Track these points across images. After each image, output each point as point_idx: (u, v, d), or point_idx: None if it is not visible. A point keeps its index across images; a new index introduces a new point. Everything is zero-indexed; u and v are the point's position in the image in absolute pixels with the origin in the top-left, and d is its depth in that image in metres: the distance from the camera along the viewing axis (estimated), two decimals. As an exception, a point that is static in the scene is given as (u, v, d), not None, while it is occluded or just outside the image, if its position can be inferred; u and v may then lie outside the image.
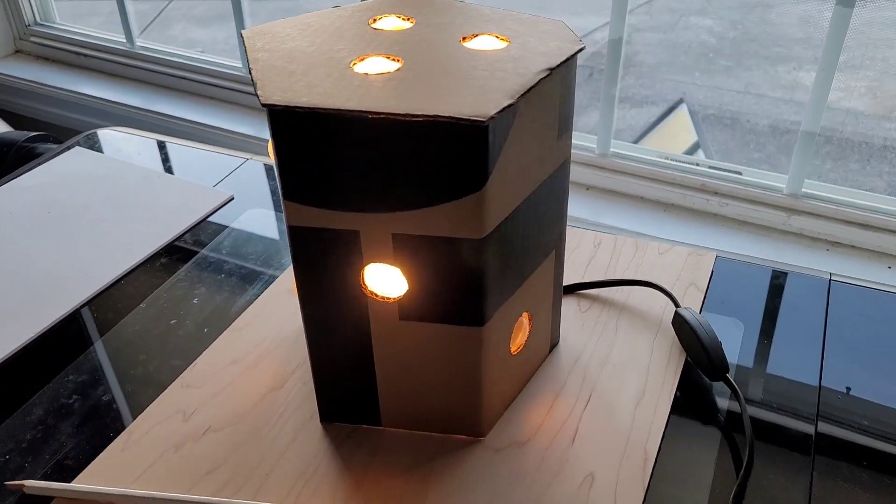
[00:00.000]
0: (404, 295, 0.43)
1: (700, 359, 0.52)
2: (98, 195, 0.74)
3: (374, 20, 0.46)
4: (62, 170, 0.78)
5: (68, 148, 0.83)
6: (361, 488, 0.45)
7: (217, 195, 0.74)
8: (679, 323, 0.54)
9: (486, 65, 0.41)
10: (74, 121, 1.80)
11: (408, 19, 0.46)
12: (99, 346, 0.57)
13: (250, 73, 0.40)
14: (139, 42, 1.79)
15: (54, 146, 1.34)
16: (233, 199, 0.73)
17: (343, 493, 0.45)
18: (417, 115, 0.37)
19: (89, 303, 0.61)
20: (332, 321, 0.45)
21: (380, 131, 0.38)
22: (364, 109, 0.37)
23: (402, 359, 0.46)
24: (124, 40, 1.80)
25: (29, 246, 0.67)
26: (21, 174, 0.78)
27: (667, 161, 1.34)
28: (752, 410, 0.50)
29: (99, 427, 0.51)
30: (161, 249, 0.67)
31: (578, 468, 0.46)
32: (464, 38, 0.44)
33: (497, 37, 0.44)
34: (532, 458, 0.47)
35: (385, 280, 0.44)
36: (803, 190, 1.25)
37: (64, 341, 0.58)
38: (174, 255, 0.67)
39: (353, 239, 0.41)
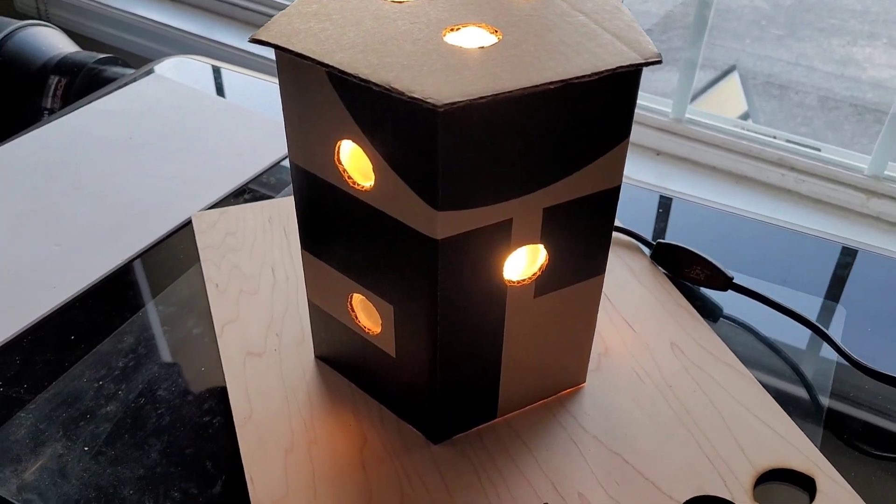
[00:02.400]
0: (541, 271, 0.41)
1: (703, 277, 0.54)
2: (178, 125, 0.71)
3: None
4: (141, 96, 0.75)
5: (145, 74, 0.80)
6: (524, 467, 0.43)
7: None
8: (662, 252, 0.56)
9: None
10: (138, 46, 1.75)
11: None
12: (182, 280, 0.55)
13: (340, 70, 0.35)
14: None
15: (123, 70, 1.31)
16: None
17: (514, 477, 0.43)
18: (585, 76, 0.34)
19: (175, 233, 0.59)
20: (469, 325, 0.40)
21: (535, 106, 0.35)
22: (524, 86, 0.33)
23: (529, 337, 0.43)
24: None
25: (113, 172, 0.65)
26: (98, 97, 0.75)
27: (744, 131, 1.29)
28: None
29: (189, 358, 0.50)
30: (243, 186, 0.65)
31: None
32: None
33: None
34: (626, 371, 0.49)
35: (519, 263, 0.41)
36: (886, 172, 1.20)
37: (151, 270, 0.56)
38: (256, 192, 0.64)
39: (505, 228, 0.38)
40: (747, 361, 0.51)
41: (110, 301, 0.54)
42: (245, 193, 0.64)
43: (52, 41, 1.35)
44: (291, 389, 0.47)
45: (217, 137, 0.70)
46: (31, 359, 0.50)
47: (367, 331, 0.44)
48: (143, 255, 0.58)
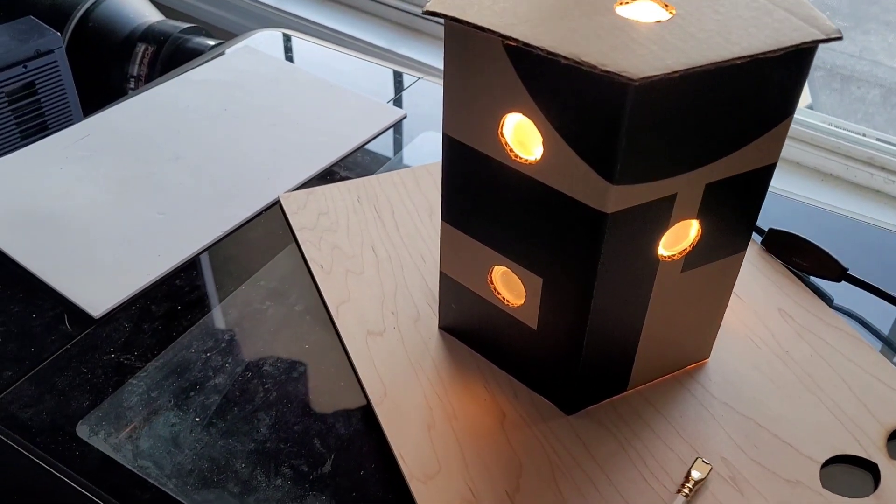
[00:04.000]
0: (692, 246, 0.41)
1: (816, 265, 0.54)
2: (271, 98, 0.72)
3: None
4: (233, 67, 0.76)
5: (236, 45, 0.80)
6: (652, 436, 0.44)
7: (391, 112, 0.71)
8: (774, 238, 0.55)
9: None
10: (217, 17, 1.77)
11: None
12: (282, 256, 0.56)
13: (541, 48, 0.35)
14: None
15: (207, 40, 1.33)
16: (406, 117, 0.71)
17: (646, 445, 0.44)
18: (771, 51, 0.33)
19: (270, 208, 0.60)
20: (619, 299, 0.41)
21: (718, 82, 0.35)
22: (713, 61, 0.33)
23: (671, 312, 0.43)
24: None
25: (211, 143, 0.66)
26: (190, 69, 0.76)
27: (832, 128, 1.26)
28: None
29: (292, 334, 0.50)
30: (337, 162, 0.65)
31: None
32: None
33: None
34: (741, 338, 0.49)
35: (672, 237, 0.41)
36: None
37: (250, 244, 0.57)
38: (351, 170, 0.65)
39: (668, 203, 0.38)
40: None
41: (212, 272, 0.55)
42: (338, 172, 0.64)
43: (139, 9, 1.36)
44: (420, 366, 0.47)
45: (310, 112, 0.70)
46: (140, 327, 0.51)
47: (506, 303, 0.44)
48: (243, 227, 0.58)
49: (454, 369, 0.47)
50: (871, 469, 0.43)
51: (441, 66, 1.55)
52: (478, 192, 0.42)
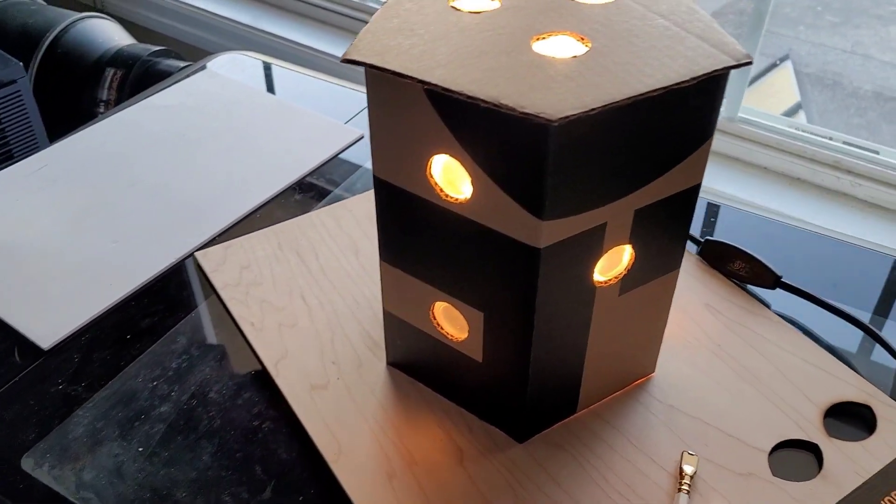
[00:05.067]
0: (627, 270, 0.42)
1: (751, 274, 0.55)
2: (230, 122, 0.72)
3: None
4: (194, 92, 0.76)
5: (199, 69, 0.80)
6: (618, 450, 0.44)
7: (348, 132, 0.71)
8: (710, 249, 0.56)
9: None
10: (193, 36, 1.77)
11: None
12: None
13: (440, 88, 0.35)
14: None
15: (177, 62, 1.33)
16: (363, 137, 0.71)
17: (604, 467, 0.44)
18: (685, 81, 0.34)
19: (225, 233, 0.60)
20: (559, 328, 0.41)
21: (636, 113, 0.35)
22: (629, 95, 0.33)
23: (612, 334, 0.44)
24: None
25: (168, 168, 0.66)
26: (153, 93, 0.76)
27: (798, 132, 1.28)
28: None
29: (239, 358, 0.51)
30: (293, 184, 0.65)
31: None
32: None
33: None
34: (674, 336, 0.50)
35: (606, 263, 0.41)
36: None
37: (201, 270, 0.57)
38: (308, 191, 0.65)
39: (600, 231, 0.38)
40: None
41: (165, 300, 0.55)
42: (295, 194, 0.65)
43: (108, 34, 1.37)
44: (370, 415, 0.47)
45: (268, 135, 0.71)
46: (89, 357, 0.51)
47: (450, 337, 0.44)
48: (195, 253, 0.58)
49: (406, 412, 0.47)
50: (814, 450, 0.45)
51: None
52: (412, 232, 0.42)
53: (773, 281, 0.54)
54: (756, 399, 0.48)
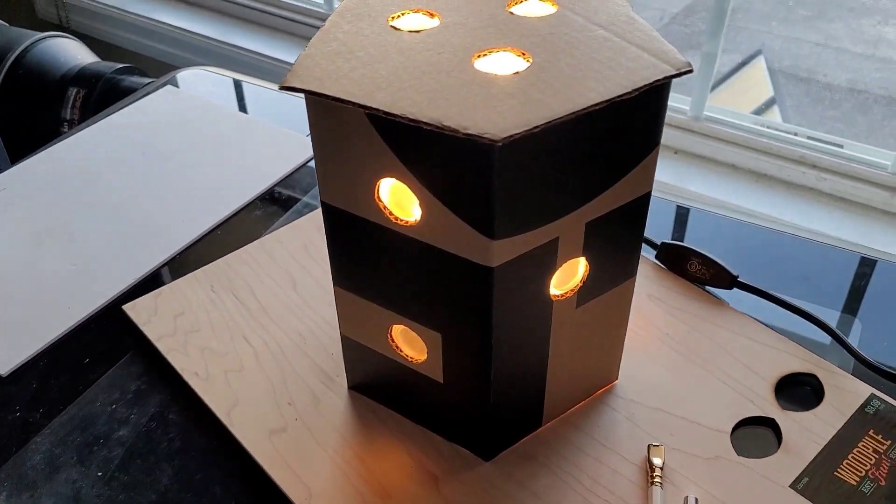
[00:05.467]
0: (583, 281, 0.41)
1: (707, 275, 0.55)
2: (191, 139, 0.71)
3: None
4: (154, 109, 0.75)
5: (160, 86, 0.79)
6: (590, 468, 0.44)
7: (310, 145, 0.71)
8: (667, 252, 0.57)
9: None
10: (159, 51, 1.75)
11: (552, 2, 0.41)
12: None
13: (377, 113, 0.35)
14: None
15: (141, 79, 1.32)
16: None
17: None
18: (627, 93, 0.34)
19: (186, 250, 0.59)
20: (518, 343, 0.41)
21: (581, 127, 0.35)
22: (572, 111, 0.33)
23: (572, 346, 0.44)
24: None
25: (127, 188, 0.65)
26: (113, 112, 0.75)
27: (764, 129, 1.29)
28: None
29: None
30: (256, 199, 0.65)
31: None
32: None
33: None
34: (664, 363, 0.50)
35: (561, 277, 0.41)
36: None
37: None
38: (270, 206, 0.64)
39: (552, 246, 0.38)
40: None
41: (124, 321, 0.54)
42: (256, 209, 0.64)
43: (70, 52, 1.35)
44: (336, 452, 0.45)
45: (229, 150, 0.70)
46: (48, 383, 0.50)
47: (410, 359, 0.44)
48: (154, 273, 0.57)
49: (372, 444, 0.46)
50: (771, 424, 0.47)
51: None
52: (364, 256, 0.41)
53: (730, 281, 0.55)
54: (709, 382, 0.49)
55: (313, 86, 0.35)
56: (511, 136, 0.32)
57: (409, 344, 0.44)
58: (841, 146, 1.24)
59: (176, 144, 0.71)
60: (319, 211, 0.63)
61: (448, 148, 0.34)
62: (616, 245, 0.41)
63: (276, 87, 0.81)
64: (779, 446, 0.45)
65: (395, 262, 0.40)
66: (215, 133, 0.72)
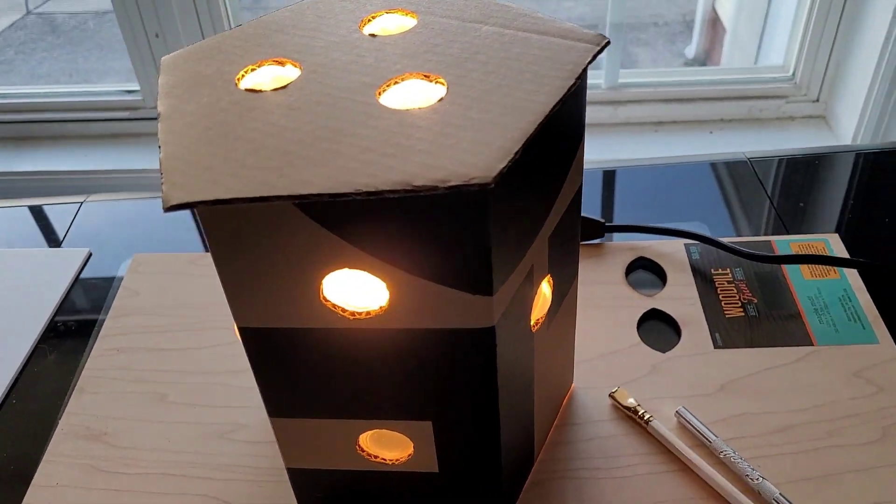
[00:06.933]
0: (551, 301, 0.37)
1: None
2: None
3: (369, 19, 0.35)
4: None
5: None
6: None
7: (72, 255, 0.58)
8: None
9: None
10: None
11: (412, 15, 0.35)
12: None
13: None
14: None
15: None
16: (91, 254, 0.59)
17: None
18: (570, 87, 0.30)
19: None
20: (517, 391, 0.36)
21: (538, 138, 0.30)
22: (538, 121, 0.29)
23: (546, 369, 0.41)
24: None
25: None
26: None
27: (650, 80, 1.33)
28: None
29: None
30: (41, 335, 0.52)
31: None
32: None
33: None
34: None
35: (536, 308, 0.37)
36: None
37: None
38: (64, 338, 0.52)
39: (530, 277, 0.33)
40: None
41: None
42: (46, 345, 0.50)
43: None
44: None
45: None
46: None
47: (389, 462, 0.37)
48: None
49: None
50: (663, 318, 0.50)
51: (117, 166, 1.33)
52: (311, 372, 0.33)
53: (600, 228, 0.55)
54: (610, 315, 0.50)
55: (212, 193, 0.26)
56: (500, 172, 0.26)
57: (386, 446, 0.37)
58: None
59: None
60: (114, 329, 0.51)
61: (423, 211, 0.27)
62: (565, 250, 0.38)
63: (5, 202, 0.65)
64: (678, 339, 0.48)
65: (356, 364, 0.32)
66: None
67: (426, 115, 0.29)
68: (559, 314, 0.39)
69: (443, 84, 0.31)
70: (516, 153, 0.27)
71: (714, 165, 0.64)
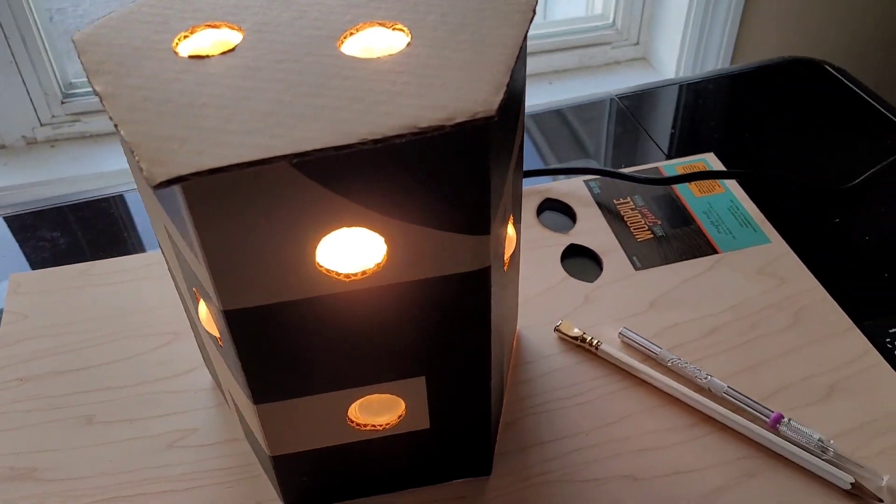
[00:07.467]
0: (517, 238, 0.38)
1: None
2: None
3: None
4: None
5: None
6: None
7: None
8: None
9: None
10: None
11: None
12: None
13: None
14: None
15: None
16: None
17: None
18: (531, 17, 0.30)
19: None
20: (499, 331, 0.36)
21: (512, 79, 0.31)
22: (513, 56, 0.29)
23: (504, 311, 0.41)
24: None
25: None
26: None
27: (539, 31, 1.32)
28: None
29: None
30: None
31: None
32: None
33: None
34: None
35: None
36: None
37: None
38: None
39: (504, 213, 0.33)
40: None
41: None
42: None
43: None
44: None
45: None
46: None
47: (380, 428, 0.36)
48: None
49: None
50: (587, 253, 0.53)
51: None
52: (301, 347, 0.31)
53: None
54: (525, 256, 0.52)
55: (202, 163, 0.24)
56: (500, 104, 0.26)
57: (374, 413, 0.36)
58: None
59: None
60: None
61: (423, 155, 0.27)
62: (517, 190, 0.38)
63: None
64: (599, 272, 0.51)
65: (349, 332, 0.31)
66: None
67: (402, 61, 0.28)
68: (513, 255, 0.40)
69: (403, 30, 0.30)
70: (508, 84, 0.27)
71: (584, 106, 0.67)
